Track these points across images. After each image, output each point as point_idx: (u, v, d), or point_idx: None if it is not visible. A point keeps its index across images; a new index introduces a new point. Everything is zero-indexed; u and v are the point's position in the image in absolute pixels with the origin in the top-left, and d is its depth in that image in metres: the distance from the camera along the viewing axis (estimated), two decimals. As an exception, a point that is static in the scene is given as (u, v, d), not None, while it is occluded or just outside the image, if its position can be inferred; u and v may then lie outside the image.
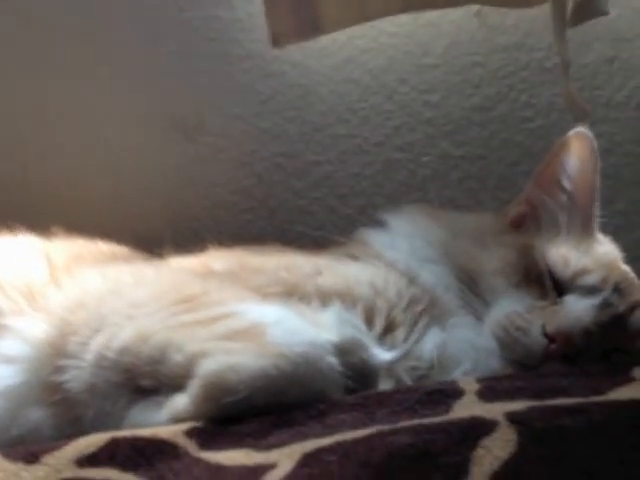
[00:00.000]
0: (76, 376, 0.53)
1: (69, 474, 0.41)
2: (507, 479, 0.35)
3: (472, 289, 0.65)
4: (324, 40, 1.02)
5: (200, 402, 0.45)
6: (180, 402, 0.46)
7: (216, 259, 0.68)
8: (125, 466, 0.41)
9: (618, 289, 0.63)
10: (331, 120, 1.03)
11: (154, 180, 1.02)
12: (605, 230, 0.75)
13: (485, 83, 1.01)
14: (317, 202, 1.01)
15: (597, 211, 0.73)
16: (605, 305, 0.61)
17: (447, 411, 0.43)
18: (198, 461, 0.41)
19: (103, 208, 1.00)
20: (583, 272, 0.64)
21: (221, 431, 0.44)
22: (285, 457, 0.40)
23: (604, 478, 0.33)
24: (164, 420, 0.46)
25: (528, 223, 0.71)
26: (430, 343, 0.60)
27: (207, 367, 0.46)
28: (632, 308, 0.63)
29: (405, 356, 0.58)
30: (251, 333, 0.48)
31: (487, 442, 0.38)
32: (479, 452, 0.37)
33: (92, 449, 0.42)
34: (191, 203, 1.02)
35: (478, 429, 0.39)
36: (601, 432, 0.36)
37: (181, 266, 0.67)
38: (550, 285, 0.64)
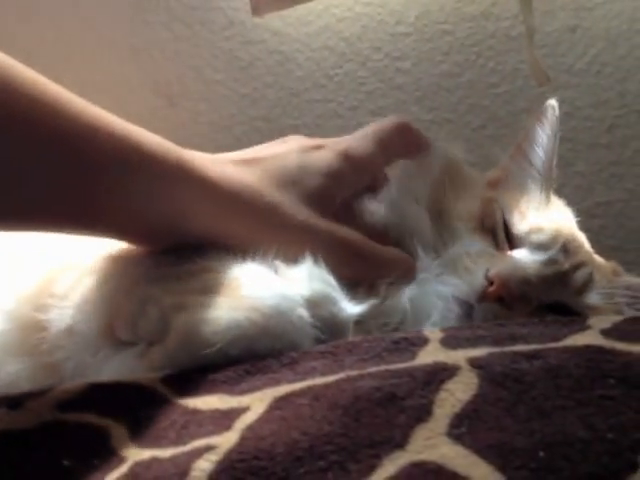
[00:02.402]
0: (59, 315, 0.51)
1: (49, 417, 0.40)
2: (467, 420, 0.34)
3: (438, 228, 0.65)
4: (302, 9, 1.01)
5: (175, 354, 0.45)
6: (156, 354, 0.46)
7: None
8: (104, 411, 0.40)
9: (565, 249, 0.64)
10: (308, 85, 1.01)
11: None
12: (565, 190, 0.75)
13: (454, 51, 1.00)
14: (294, 164, 0.99)
15: (554, 176, 0.73)
16: (550, 262, 0.62)
17: (412, 358, 0.43)
18: (175, 406, 0.41)
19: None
20: (537, 230, 0.64)
21: (197, 378, 0.43)
22: (258, 401, 0.39)
23: (558, 418, 0.32)
24: (141, 371, 0.45)
25: (501, 185, 0.71)
26: (403, 298, 0.60)
27: (182, 320, 0.45)
28: (576, 267, 0.63)
29: (376, 311, 0.57)
30: (226, 288, 0.47)
31: (450, 385, 0.37)
32: (442, 395, 0.37)
33: (72, 394, 0.42)
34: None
35: (441, 373, 0.39)
36: (556, 375, 0.35)
37: None
38: (503, 237, 0.65)
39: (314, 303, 0.48)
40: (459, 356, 0.40)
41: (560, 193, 0.74)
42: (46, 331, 0.52)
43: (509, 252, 0.64)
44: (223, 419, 0.38)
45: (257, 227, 0.53)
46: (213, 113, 0.99)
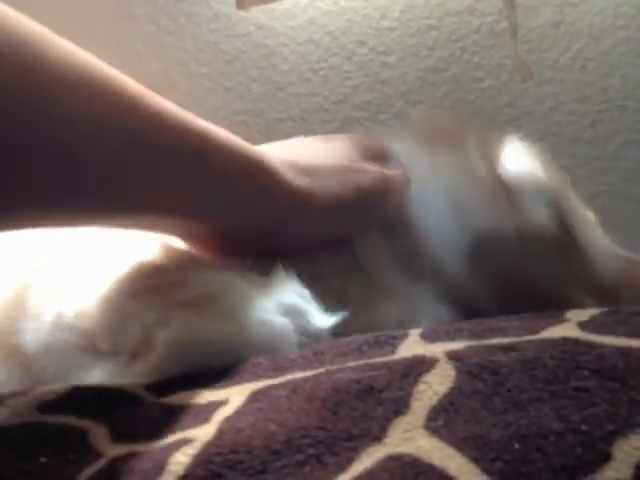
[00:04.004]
0: (34, 337, 0.50)
1: (30, 418, 0.39)
2: (444, 412, 0.34)
3: None
4: (287, 2, 1.01)
5: (161, 367, 0.44)
6: (141, 366, 0.45)
7: None
8: (84, 413, 0.40)
9: None
10: (293, 79, 1.01)
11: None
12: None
13: (439, 45, 1.00)
14: (279, 158, 0.99)
15: None
16: None
17: (393, 352, 0.43)
18: (156, 405, 0.41)
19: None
20: None
21: (178, 381, 0.43)
22: (236, 394, 0.39)
23: (533, 410, 0.33)
24: (125, 380, 0.45)
25: None
26: (390, 316, 0.58)
27: (167, 335, 0.45)
28: None
29: (354, 322, 0.56)
30: (207, 300, 0.47)
31: (428, 378, 0.37)
32: (420, 387, 0.37)
33: (53, 396, 0.41)
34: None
35: (420, 366, 0.39)
36: (531, 367, 0.36)
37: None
38: None
39: (285, 315, 0.48)
40: (438, 349, 0.40)
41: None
42: (22, 353, 0.51)
43: None
44: (201, 413, 0.38)
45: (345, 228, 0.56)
46: (198, 107, 0.98)
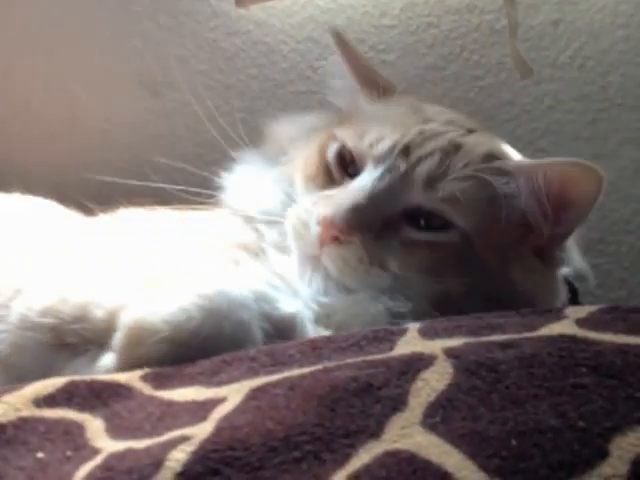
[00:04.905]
0: (3, 339, 0.50)
1: (27, 413, 0.39)
2: (441, 408, 0.34)
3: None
4: (286, 0, 1.01)
5: (127, 350, 0.44)
6: (109, 358, 0.45)
7: (132, 219, 0.64)
8: (81, 406, 0.40)
9: (407, 148, 0.56)
10: (292, 77, 1.01)
11: (122, 134, 1.00)
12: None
13: (439, 43, 1.00)
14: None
15: (391, 85, 0.68)
16: (385, 173, 0.55)
17: (391, 348, 0.43)
18: (152, 399, 0.40)
19: (71, 163, 0.97)
20: (378, 140, 0.57)
21: (174, 373, 0.43)
22: (234, 392, 0.39)
23: (531, 406, 0.33)
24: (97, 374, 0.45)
25: (348, 122, 0.63)
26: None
27: (127, 316, 0.45)
28: (417, 162, 0.55)
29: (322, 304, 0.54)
30: (166, 281, 0.47)
31: (425, 375, 0.37)
32: (418, 384, 0.37)
33: (50, 390, 0.41)
34: (157, 156, 0.99)
35: (418, 363, 0.39)
36: (529, 364, 0.36)
37: (99, 226, 0.63)
38: (338, 170, 0.58)
39: (254, 300, 0.47)
40: (436, 346, 0.40)
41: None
42: None
43: (350, 182, 0.56)
44: (199, 410, 0.38)
45: None
46: (197, 104, 0.98)
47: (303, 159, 0.61)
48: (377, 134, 0.57)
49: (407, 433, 0.33)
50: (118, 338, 0.45)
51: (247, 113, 0.99)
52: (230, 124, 1.03)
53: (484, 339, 0.40)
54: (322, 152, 0.61)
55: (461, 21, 0.99)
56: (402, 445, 0.32)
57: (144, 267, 0.50)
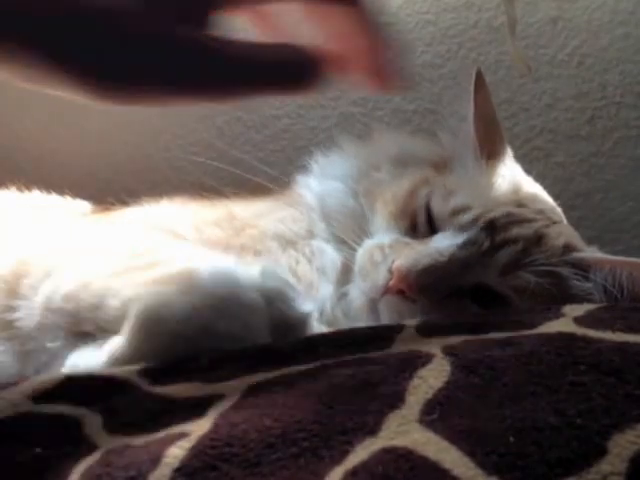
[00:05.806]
0: (27, 315, 0.52)
1: (25, 408, 0.39)
2: (439, 406, 0.34)
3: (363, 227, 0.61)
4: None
5: (135, 339, 0.44)
6: (117, 342, 0.46)
7: (158, 213, 0.66)
8: (78, 401, 0.40)
9: (492, 227, 0.58)
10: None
11: (120, 134, 1.00)
12: (545, 181, 0.75)
13: (436, 41, 1.00)
14: (275, 154, 0.99)
15: (504, 149, 0.69)
16: (468, 243, 0.56)
17: (389, 345, 0.43)
18: (149, 395, 0.40)
19: (70, 161, 0.97)
20: (462, 210, 0.59)
21: (172, 368, 0.43)
22: (232, 389, 0.39)
23: (529, 404, 0.33)
24: (103, 361, 0.45)
25: (446, 167, 0.65)
26: (356, 291, 0.58)
27: (140, 306, 0.45)
28: (501, 245, 0.57)
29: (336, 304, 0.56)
30: (182, 277, 0.47)
31: (423, 372, 0.37)
32: (415, 382, 0.37)
33: (47, 386, 0.41)
34: (155, 155, 1.00)
35: (416, 361, 0.39)
36: (528, 361, 0.36)
37: (123, 219, 0.66)
38: (423, 221, 0.60)
39: (268, 299, 0.47)
40: (434, 344, 0.40)
41: (540, 184, 0.74)
42: (17, 327, 0.53)
43: (429, 238, 0.58)
44: (197, 407, 0.38)
45: None
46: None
47: (391, 193, 0.62)
48: (463, 201, 0.59)
49: (404, 430, 0.33)
50: (129, 326, 0.45)
51: (244, 112, 0.99)
52: (227, 123, 1.04)
53: (482, 337, 0.40)
54: (412, 195, 0.61)
55: (459, 19, 0.99)
56: (399, 442, 0.32)
57: (164, 259, 0.50)
